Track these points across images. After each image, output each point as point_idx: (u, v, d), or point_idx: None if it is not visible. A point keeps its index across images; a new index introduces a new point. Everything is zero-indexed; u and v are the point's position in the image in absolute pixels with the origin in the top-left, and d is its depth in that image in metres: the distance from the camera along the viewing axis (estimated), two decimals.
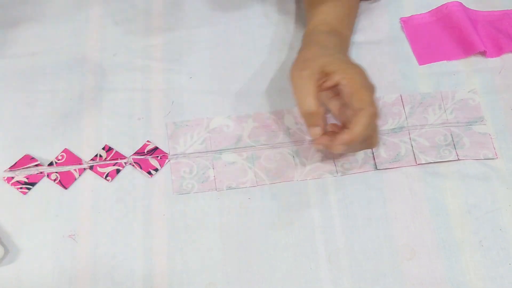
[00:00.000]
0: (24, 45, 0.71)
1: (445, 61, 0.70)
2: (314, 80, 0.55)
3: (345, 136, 0.55)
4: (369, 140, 0.57)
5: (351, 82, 0.55)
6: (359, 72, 0.56)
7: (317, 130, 0.57)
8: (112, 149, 0.64)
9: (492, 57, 0.70)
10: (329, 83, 0.56)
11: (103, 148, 0.64)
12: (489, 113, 0.66)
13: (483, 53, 0.70)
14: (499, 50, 0.70)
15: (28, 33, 0.72)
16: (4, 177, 0.62)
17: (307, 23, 0.67)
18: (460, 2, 0.72)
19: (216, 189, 0.62)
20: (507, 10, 0.73)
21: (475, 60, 0.70)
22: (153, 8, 0.74)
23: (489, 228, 0.60)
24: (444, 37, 0.71)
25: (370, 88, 0.56)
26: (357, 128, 0.54)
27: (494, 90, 0.68)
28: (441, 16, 0.72)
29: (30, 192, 0.62)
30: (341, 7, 0.65)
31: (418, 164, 0.63)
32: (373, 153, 0.63)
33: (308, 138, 0.64)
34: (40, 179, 0.62)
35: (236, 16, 0.73)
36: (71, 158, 0.63)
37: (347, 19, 0.66)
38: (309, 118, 0.56)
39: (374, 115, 0.55)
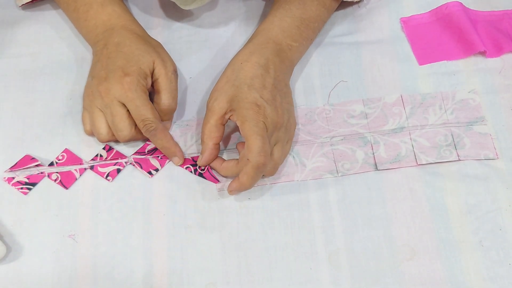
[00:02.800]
0: (24, 45, 0.71)
1: (445, 61, 0.70)
2: (220, 114, 0.59)
3: (233, 185, 0.59)
4: (265, 173, 0.59)
5: (243, 126, 0.57)
6: (255, 113, 0.57)
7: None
8: (112, 148, 0.64)
9: (492, 57, 0.70)
10: (232, 118, 0.59)
11: (104, 148, 0.64)
12: (489, 113, 0.66)
13: (483, 53, 0.69)
14: (499, 50, 0.70)
15: (28, 33, 0.72)
16: (4, 178, 0.62)
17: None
18: (460, 2, 0.72)
19: (216, 189, 0.62)
20: (507, 10, 0.73)
21: (475, 60, 0.70)
22: (153, 8, 0.74)
23: (489, 228, 0.60)
24: (444, 37, 0.71)
25: (261, 132, 0.56)
26: (244, 178, 0.57)
27: (494, 90, 0.68)
28: (441, 16, 0.72)
29: (31, 192, 0.62)
30: (291, 18, 0.65)
31: (419, 164, 0.63)
32: (373, 154, 0.63)
33: (308, 138, 0.64)
34: (41, 179, 0.62)
35: (236, 17, 0.73)
36: (71, 158, 0.63)
37: (297, 30, 0.65)
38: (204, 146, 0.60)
39: (260, 166, 0.56)
